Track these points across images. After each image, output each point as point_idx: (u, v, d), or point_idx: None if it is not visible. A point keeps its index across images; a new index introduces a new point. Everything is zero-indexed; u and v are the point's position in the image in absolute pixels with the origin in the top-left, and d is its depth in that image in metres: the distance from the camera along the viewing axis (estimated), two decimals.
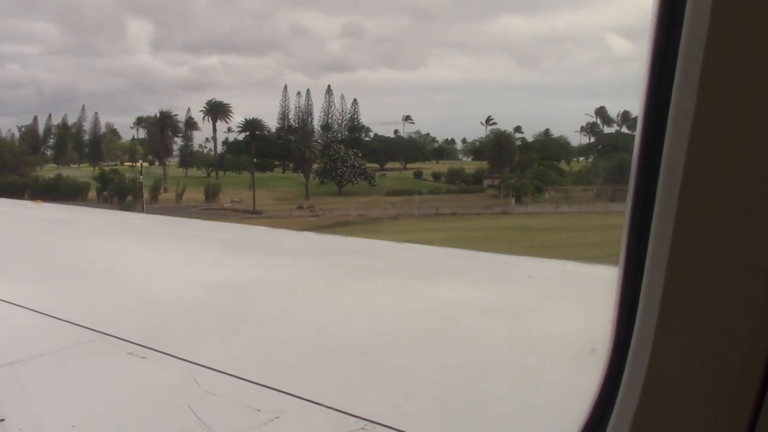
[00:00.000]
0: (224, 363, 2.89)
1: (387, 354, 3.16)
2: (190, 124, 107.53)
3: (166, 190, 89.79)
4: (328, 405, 2.43)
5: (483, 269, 5.58)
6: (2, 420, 2.43)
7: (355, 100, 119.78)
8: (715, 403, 0.97)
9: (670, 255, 0.94)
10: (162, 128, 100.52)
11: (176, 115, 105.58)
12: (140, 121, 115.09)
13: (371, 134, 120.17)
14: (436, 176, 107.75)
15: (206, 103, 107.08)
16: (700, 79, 0.88)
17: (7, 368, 2.93)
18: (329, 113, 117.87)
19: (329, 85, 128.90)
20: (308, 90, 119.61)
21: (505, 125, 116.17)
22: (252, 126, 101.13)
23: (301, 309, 4.05)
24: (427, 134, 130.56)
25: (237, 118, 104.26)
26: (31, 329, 3.60)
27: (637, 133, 1.00)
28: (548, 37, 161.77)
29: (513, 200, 79.28)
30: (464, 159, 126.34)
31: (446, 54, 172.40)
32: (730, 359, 0.94)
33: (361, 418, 2.30)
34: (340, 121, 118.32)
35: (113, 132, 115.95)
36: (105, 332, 3.35)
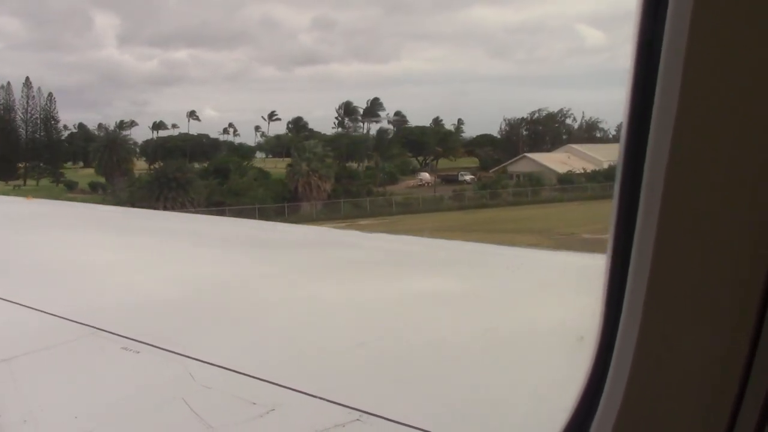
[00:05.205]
0: (219, 357, 2.91)
1: (382, 345, 3.18)
2: None
3: None
4: (323, 397, 2.45)
5: (472, 260, 5.62)
6: None
7: (50, 94, 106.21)
8: (699, 394, 0.99)
9: (655, 247, 0.95)
10: None
11: None
12: None
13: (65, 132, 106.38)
14: (96, 186, 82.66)
15: None
16: (684, 71, 0.89)
17: (1, 365, 2.93)
18: (28, 109, 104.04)
19: (27, 77, 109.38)
20: (8, 83, 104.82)
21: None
22: None
23: (294, 301, 4.06)
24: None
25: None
26: (23, 325, 3.59)
27: (623, 124, 1.01)
28: (521, 27, 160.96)
29: None
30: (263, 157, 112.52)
31: (419, 47, 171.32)
32: (713, 351, 0.96)
33: (356, 409, 2.33)
34: (36, 118, 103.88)
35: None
36: (98, 327, 3.35)
